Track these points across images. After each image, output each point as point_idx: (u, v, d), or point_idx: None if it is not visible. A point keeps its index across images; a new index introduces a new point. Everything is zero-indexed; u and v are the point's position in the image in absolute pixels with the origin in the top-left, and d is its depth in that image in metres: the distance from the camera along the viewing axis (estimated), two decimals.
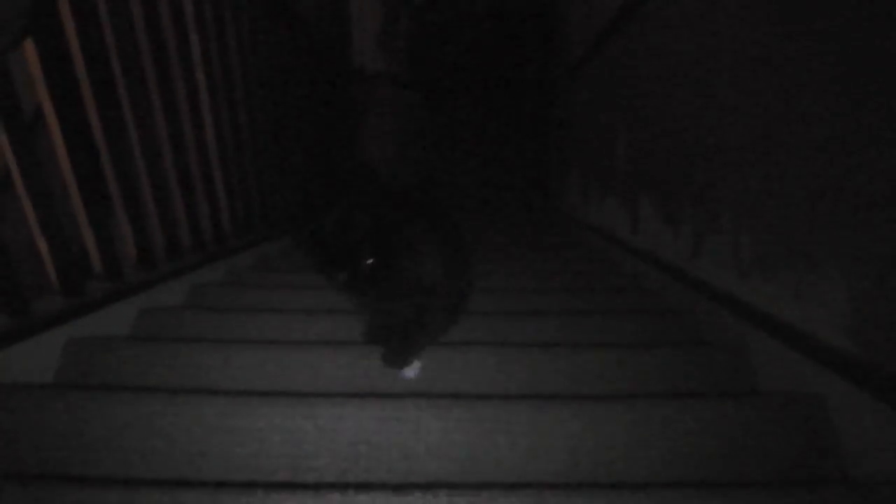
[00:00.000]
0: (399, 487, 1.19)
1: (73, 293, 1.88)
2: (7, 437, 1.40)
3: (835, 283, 1.48)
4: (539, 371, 1.75)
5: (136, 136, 2.27)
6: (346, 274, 1.60)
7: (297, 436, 1.39)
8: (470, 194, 6.76)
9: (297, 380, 1.72)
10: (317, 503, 1.15)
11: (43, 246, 1.78)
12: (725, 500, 1.18)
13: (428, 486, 1.19)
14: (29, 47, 1.75)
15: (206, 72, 2.82)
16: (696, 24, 2.31)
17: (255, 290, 2.52)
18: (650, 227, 2.89)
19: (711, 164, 2.16)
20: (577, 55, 4.73)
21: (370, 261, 1.57)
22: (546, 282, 2.91)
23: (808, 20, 1.59)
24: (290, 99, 4.22)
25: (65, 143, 1.87)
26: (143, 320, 2.11)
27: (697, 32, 2.29)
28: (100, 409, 1.43)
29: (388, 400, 1.45)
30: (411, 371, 1.71)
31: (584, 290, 2.70)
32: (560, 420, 1.43)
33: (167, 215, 2.47)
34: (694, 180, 2.32)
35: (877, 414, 1.32)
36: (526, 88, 6.78)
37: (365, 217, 1.60)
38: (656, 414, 1.47)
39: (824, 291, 1.52)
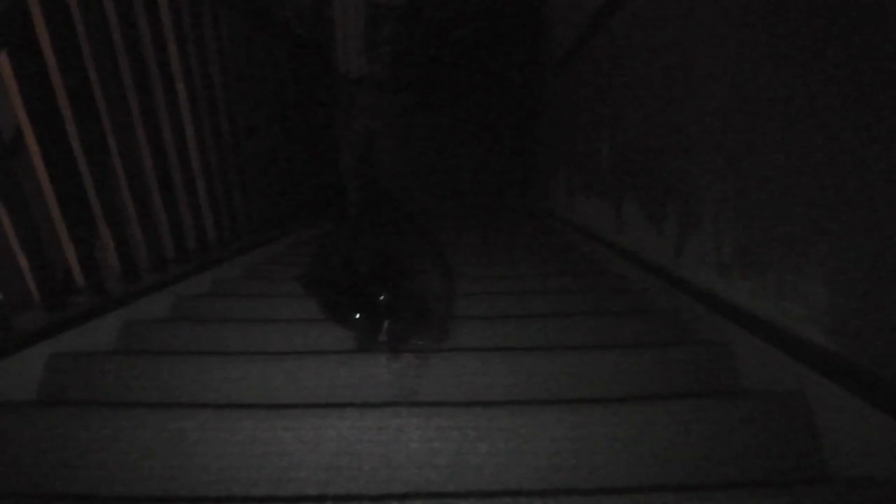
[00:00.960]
0: (378, 498, 1.19)
1: (55, 308, 1.87)
2: None
3: (816, 280, 1.49)
4: (523, 375, 1.76)
5: (117, 147, 2.26)
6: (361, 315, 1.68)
7: (277, 448, 1.39)
8: (457, 196, 6.76)
9: (279, 391, 1.72)
10: None
11: (23, 261, 1.78)
12: (707, 502, 1.19)
13: (405, 496, 1.19)
14: (3, 62, 1.74)
15: (185, 81, 2.81)
16: (675, 23, 2.31)
17: (240, 301, 2.51)
18: (635, 227, 2.89)
19: (694, 162, 2.16)
20: (561, 55, 4.74)
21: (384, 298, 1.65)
22: (530, 283, 2.91)
23: (793, 17, 1.59)
24: (273, 106, 4.21)
25: (44, 157, 1.86)
26: (128, 333, 2.11)
27: (677, 31, 2.29)
28: (81, 425, 1.43)
29: (368, 409, 1.45)
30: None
31: (568, 291, 2.70)
32: (542, 425, 1.43)
33: (150, 227, 2.46)
34: (677, 178, 2.33)
35: (858, 412, 1.33)
36: (513, 89, 6.78)
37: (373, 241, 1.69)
38: (639, 415, 1.47)
39: (806, 289, 1.53)
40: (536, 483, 1.37)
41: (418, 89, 6.82)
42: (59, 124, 1.98)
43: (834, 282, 1.42)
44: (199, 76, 2.97)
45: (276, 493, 1.35)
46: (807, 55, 1.50)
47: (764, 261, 1.72)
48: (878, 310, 1.29)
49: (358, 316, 1.80)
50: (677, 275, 2.31)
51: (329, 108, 6.15)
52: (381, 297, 1.71)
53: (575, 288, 2.83)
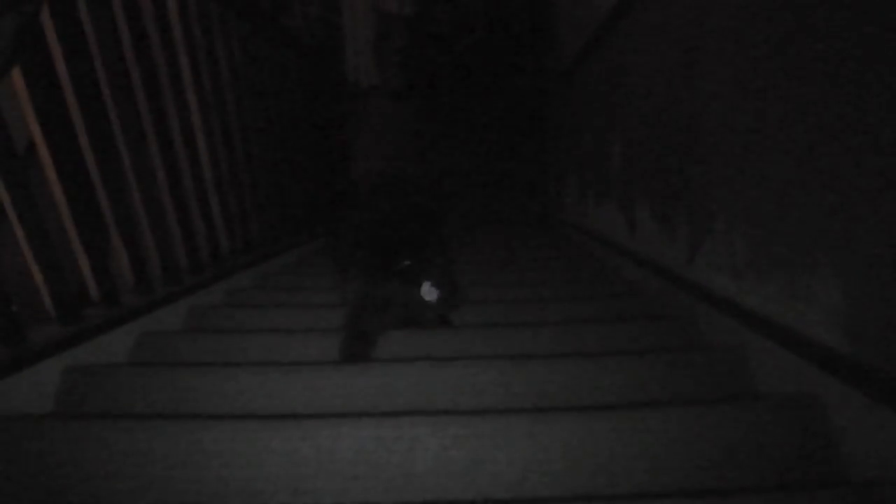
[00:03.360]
0: None
1: (69, 321, 1.88)
2: (5, 468, 1.40)
3: (829, 283, 1.48)
4: (537, 383, 1.75)
5: (129, 160, 2.27)
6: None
7: (294, 458, 1.39)
8: (467, 202, 6.76)
9: (295, 401, 1.72)
10: None
11: (38, 275, 1.78)
12: None
13: None
14: (17, 76, 1.75)
15: (196, 93, 2.82)
16: (684, 27, 2.31)
17: (254, 311, 2.52)
18: (647, 232, 2.88)
19: (705, 167, 2.16)
20: (570, 60, 4.74)
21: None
22: (543, 290, 2.91)
23: (803, 21, 1.59)
24: (284, 115, 4.22)
25: (57, 171, 1.87)
26: (142, 345, 2.11)
27: (686, 35, 2.29)
28: (97, 438, 1.43)
29: (384, 418, 1.45)
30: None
31: (581, 298, 2.69)
32: (558, 432, 1.43)
33: (163, 239, 2.47)
34: (688, 184, 2.32)
35: (874, 415, 1.32)
36: (522, 95, 6.78)
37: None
38: (654, 421, 1.46)
39: (819, 292, 1.52)
40: (554, 490, 1.36)
41: (428, 97, 6.83)
42: (71, 137, 1.99)
43: (847, 283, 1.41)
44: (210, 86, 2.98)
45: (293, 503, 1.35)
46: (816, 60, 1.50)
47: (777, 264, 1.71)
48: (892, 311, 1.29)
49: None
50: (690, 279, 2.30)
51: (340, 117, 6.16)
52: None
53: (587, 294, 2.82)
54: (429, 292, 2.01)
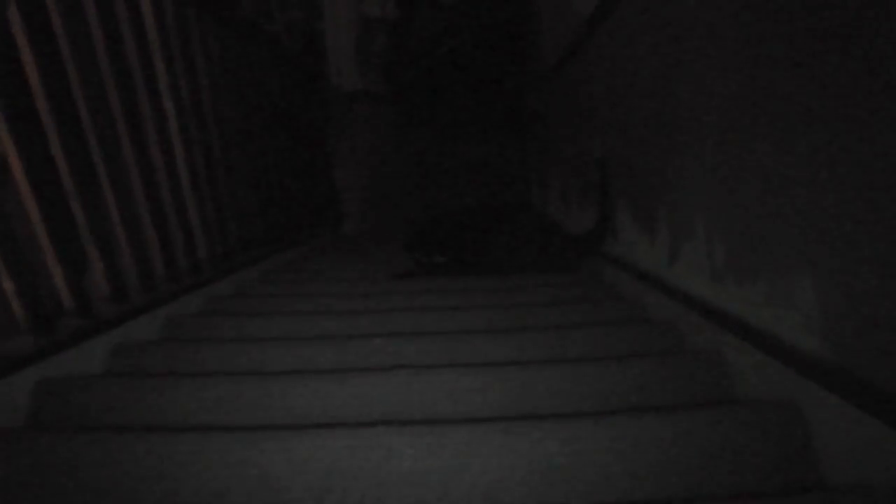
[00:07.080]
0: None
1: (42, 332, 1.85)
2: None
3: (805, 286, 1.48)
4: (516, 390, 1.74)
5: (104, 168, 2.25)
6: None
7: (269, 469, 1.37)
8: (450, 206, 6.75)
9: (272, 410, 1.70)
10: None
11: (9, 286, 1.76)
12: None
13: None
14: None
15: (174, 100, 2.80)
16: (664, 34, 2.31)
17: (231, 320, 2.50)
18: (627, 236, 2.88)
19: (684, 170, 2.15)
20: (551, 64, 4.74)
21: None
22: (522, 296, 2.90)
23: (784, 24, 1.59)
24: (264, 121, 4.20)
25: (28, 179, 1.85)
26: (118, 356, 2.09)
27: (664, 42, 2.29)
28: (69, 450, 1.41)
29: (359, 429, 1.44)
30: None
31: (560, 303, 2.69)
32: (534, 440, 1.42)
33: (139, 247, 2.44)
34: (667, 187, 2.32)
35: (851, 418, 1.31)
36: (506, 99, 6.77)
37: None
38: (632, 428, 1.46)
39: (795, 295, 1.52)
40: (530, 499, 1.35)
41: (412, 101, 6.82)
42: (43, 144, 1.96)
43: (825, 288, 1.41)
44: (187, 92, 2.96)
45: None
46: (796, 65, 1.50)
47: (756, 268, 1.71)
48: (870, 316, 1.28)
49: None
50: (670, 283, 2.30)
51: (322, 122, 6.14)
52: None
53: (566, 299, 2.82)
54: None
